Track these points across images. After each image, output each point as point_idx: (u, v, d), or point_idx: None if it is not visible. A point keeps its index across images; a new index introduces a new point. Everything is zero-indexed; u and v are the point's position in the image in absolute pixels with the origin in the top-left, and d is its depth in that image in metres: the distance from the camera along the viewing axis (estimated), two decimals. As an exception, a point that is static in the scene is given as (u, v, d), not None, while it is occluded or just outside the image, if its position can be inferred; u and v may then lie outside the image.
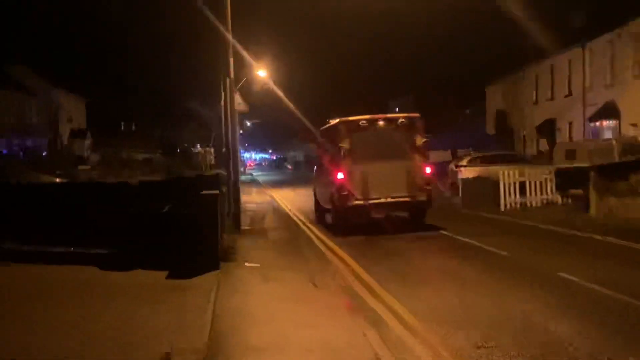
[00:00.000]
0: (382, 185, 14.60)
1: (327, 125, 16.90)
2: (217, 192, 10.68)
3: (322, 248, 13.24)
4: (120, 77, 56.48)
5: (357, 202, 14.66)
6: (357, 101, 58.84)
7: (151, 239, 10.05)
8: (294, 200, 27.71)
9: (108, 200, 10.82)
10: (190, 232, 9.93)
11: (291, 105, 41.34)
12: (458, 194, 22.64)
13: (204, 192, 10.23)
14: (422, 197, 14.83)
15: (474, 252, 11.80)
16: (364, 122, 14.88)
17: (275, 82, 31.95)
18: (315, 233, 15.87)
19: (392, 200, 14.74)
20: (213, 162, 34.06)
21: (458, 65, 54.26)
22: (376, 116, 15.15)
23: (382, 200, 14.72)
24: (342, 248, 12.90)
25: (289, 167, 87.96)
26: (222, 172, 15.04)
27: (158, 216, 10.23)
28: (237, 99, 17.32)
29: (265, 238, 15.08)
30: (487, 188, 19.97)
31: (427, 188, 14.86)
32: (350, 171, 14.59)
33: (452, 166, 25.80)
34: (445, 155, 31.02)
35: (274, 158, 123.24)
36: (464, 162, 25.00)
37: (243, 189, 28.65)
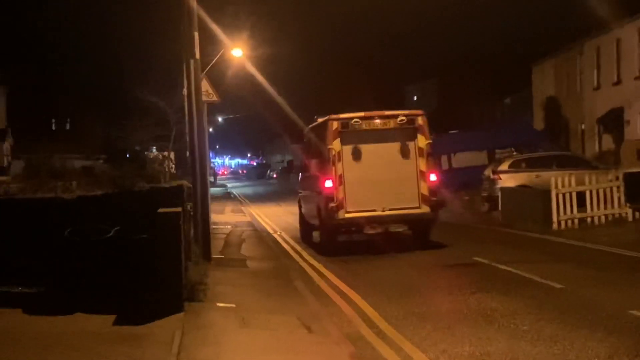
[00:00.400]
0: (378, 194, 15.91)
1: (314, 123, 18.39)
2: (179, 209, 10.65)
3: (318, 280, 13.29)
4: (52, 59, 56.43)
5: (348, 215, 15.92)
6: (366, 89, 59.10)
7: (94, 272, 10.01)
8: (281, 219, 27.74)
9: (36, 222, 10.77)
10: (144, 263, 9.88)
11: (277, 96, 41.37)
12: (497, 208, 22.75)
13: (162, 209, 10.21)
14: (426, 210, 16.01)
15: (520, 284, 11.86)
16: (357, 120, 16.25)
17: (256, 66, 32.00)
18: (308, 261, 15.92)
19: (391, 212, 15.97)
20: (174, 170, 34.00)
21: (493, 41, 54.53)
22: (372, 113, 16.53)
23: (379, 212, 15.95)
24: (344, 280, 12.95)
25: (274, 175, 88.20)
26: (186, 183, 15.03)
27: (103, 242, 10.19)
28: (205, 86, 17.32)
29: (244, 269, 15.10)
30: (534, 200, 20.05)
31: (433, 199, 16.09)
32: (341, 178, 15.94)
33: (488, 172, 25.88)
34: (480, 157, 31.08)
35: (254, 164, 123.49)
36: (505, 167, 25.11)
37: (214, 206, 28.69)
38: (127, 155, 43.69)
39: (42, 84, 55.91)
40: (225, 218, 28.22)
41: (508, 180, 23.81)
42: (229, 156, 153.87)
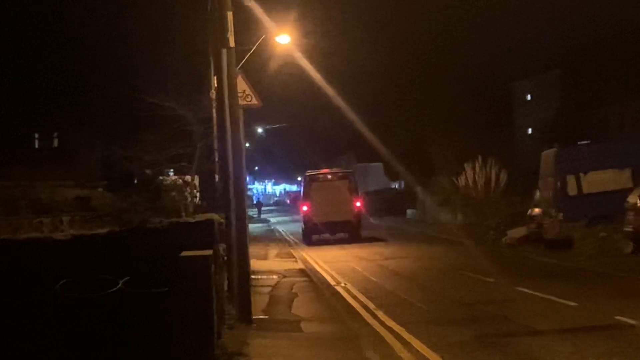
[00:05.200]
0: (330, 212, 40.22)
1: (304, 175, 45.55)
2: (209, 252, 10.67)
3: (401, 351, 13.14)
4: (32, 55, 57.40)
5: (314, 221, 41.23)
6: (460, 89, 58.77)
7: (96, 339, 10.07)
8: (346, 266, 27.76)
9: (15, 273, 10.90)
10: (162, 327, 9.92)
11: (339, 100, 42.06)
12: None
13: (187, 253, 10.24)
14: (355, 219, 41.11)
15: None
16: (319, 174, 43.53)
17: (310, 58, 31.95)
18: (385, 323, 15.86)
19: (337, 221, 40.63)
20: (198, 200, 34.15)
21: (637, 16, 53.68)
22: (326, 171, 45.07)
23: (330, 220, 40.52)
24: (441, 352, 12.78)
25: (358, 203, 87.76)
26: (217, 217, 15.08)
27: (107, 298, 10.25)
28: (242, 85, 17.42)
29: (297, 334, 15.12)
30: None
31: (358, 214, 41.58)
32: (312, 203, 41.47)
33: (634, 199, 25.41)
34: (621, 178, 30.50)
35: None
36: (660, 191, 24.74)
37: (254, 249, 28.73)
38: (135, 181, 44.06)
39: (20, 88, 56.52)
40: (269, 265, 28.31)
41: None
42: (272, 180, 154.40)
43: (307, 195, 42.57)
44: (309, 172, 44.58)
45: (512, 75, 67.20)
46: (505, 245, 32.59)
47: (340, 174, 44.17)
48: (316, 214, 41.23)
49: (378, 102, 65.50)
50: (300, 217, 45.40)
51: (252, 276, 17.91)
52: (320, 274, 25.90)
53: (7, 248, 11.88)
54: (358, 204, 42.06)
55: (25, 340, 10.38)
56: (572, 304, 16.67)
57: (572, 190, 29.98)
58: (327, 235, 42.13)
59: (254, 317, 15.40)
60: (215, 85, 16.76)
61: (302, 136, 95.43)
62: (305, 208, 42.46)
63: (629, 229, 25.14)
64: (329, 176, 43.36)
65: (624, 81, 51.30)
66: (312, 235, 42.36)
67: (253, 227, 47.30)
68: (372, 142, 53.95)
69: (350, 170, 45.93)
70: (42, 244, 11.69)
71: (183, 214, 26.05)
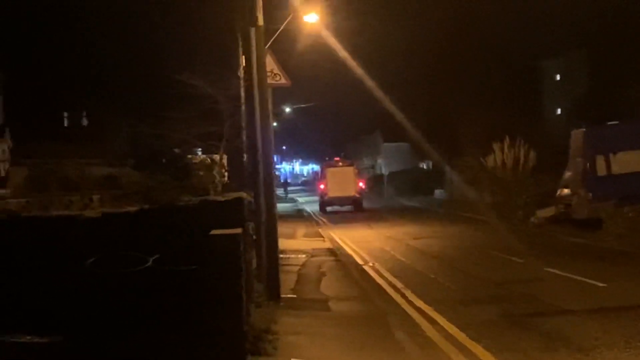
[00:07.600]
0: (340, 189, 56.16)
1: (324, 163, 66.85)
2: (239, 231, 10.66)
3: (429, 330, 13.15)
4: (62, 35, 57.44)
5: (329, 197, 57.46)
6: (488, 69, 58.65)
7: (125, 316, 10.11)
8: (373, 246, 27.74)
9: (48, 249, 10.94)
10: (191, 304, 9.95)
11: (367, 80, 41.78)
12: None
13: (216, 231, 10.24)
14: (358, 196, 57.18)
15: None
16: (332, 162, 62.29)
17: (338, 37, 31.83)
18: (414, 302, 15.88)
19: (345, 196, 56.31)
20: (226, 178, 34.07)
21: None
22: (337, 159, 65.55)
23: (340, 195, 56.39)
24: (467, 331, 12.77)
25: (361, 184, 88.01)
26: (246, 195, 15.08)
27: (137, 276, 10.29)
28: (270, 64, 17.38)
29: (325, 313, 15.16)
30: None
31: (360, 191, 58.08)
32: (327, 183, 57.88)
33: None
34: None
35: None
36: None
37: (282, 228, 28.76)
38: (163, 160, 43.91)
39: (50, 68, 56.61)
40: (297, 244, 28.41)
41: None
42: (300, 160, 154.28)
43: (323, 177, 58.90)
44: (325, 162, 63.18)
45: (541, 54, 66.64)
46: (533, 225, 32.48)
47: (347, 163, 60.83)
48: (329, 191, 56.28)
49: (405, 82, 65.75)
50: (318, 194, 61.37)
51: (281, 255, 17.93)
52: (348, 254, 25.94)
53: (38, 225, 11.98)
54: (361, 184, 58.54)
55: (60, 311, 10.45)
56: (601, 284, 16.68)
57: (601, 170, 29.74)
58: (337, 207, 56.52)
59: (282, 295, 15.44)
60: (244, 64, 16.73)
61: (330, 116, 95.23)
62: (322, 186, 57.77)
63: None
64: (340, 164, 59.96)
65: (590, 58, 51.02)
66: (326, 206, 56.76)
67: (281, 207, 47.44)
68: (399, 122, 57.20)
69: (353, 160, 64.67)
70: (73, 221, 11.75)
71: (212, 192, 26.01)
